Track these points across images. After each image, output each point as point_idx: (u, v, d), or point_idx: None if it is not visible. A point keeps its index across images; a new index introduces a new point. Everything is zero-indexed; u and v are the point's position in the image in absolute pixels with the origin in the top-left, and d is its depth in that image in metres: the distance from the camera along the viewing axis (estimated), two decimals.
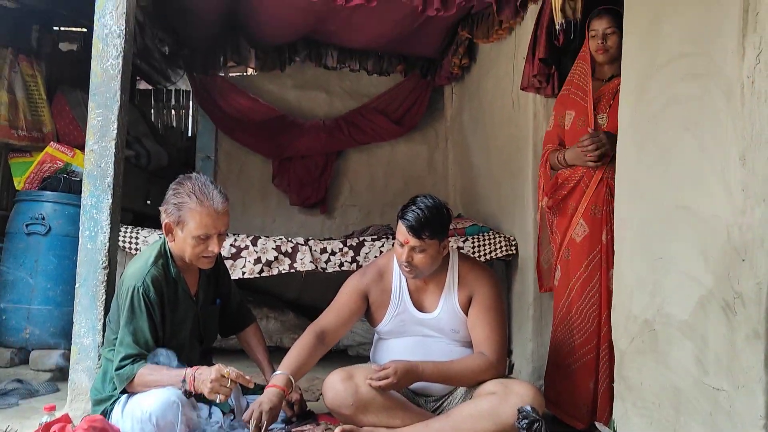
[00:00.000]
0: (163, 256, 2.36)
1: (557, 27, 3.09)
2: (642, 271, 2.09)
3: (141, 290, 2.23)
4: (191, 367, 2.19)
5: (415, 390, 2.56)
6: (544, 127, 3.46)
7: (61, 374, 3.35)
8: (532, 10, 3.42)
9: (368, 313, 2.64)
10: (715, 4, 1.77)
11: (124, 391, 2.24)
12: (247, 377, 2.16)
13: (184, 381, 2.14)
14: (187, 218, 2.27)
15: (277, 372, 2.39)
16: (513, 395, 2.33)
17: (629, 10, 2.29)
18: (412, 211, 2.42)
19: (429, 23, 4.21)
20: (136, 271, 2.29)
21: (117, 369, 2.20)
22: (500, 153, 4.03)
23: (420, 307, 2.59)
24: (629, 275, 2.20)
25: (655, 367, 1.99)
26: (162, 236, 2.40)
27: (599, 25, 2.84)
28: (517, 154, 3.67)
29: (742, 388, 1.58)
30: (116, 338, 2.30)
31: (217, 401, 2.15)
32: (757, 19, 1.60)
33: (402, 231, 2.43)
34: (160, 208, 2.35)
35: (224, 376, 2.10)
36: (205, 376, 2.12)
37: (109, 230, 2.70)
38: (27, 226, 3.54)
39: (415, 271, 2.46)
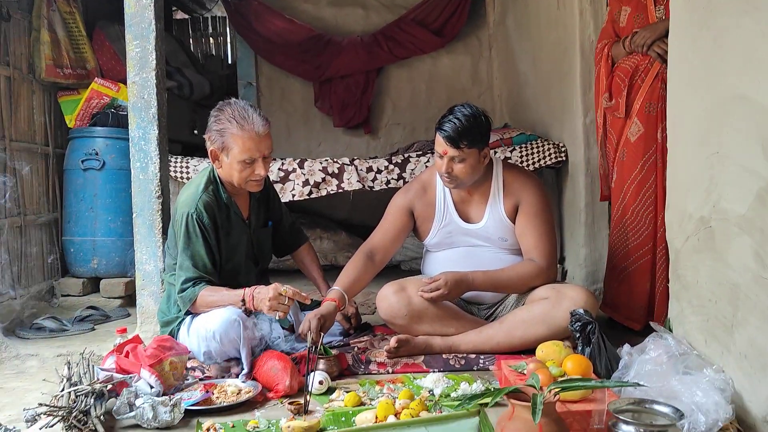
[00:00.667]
0: (213, 182, 2.41)
1: None
2: (696, 167, 2.02)
3: (194, 216, 2.30)
4: (249, 287, 2.27)
5: (467, 299, 2.60)
6: (590, 26, 3.30)
7: (130, 300, 3.54)
8: None
9: (415, 228, 2.66)
10: None
11: (188, 313, 2.34)
12: (304, 294, 2.23)
13: (243, 300, 2.23)
14: (231, 143, 2.30)
15: (331, 288, 2.47)
16: (565, 299, 2.35)
17: None
18: (449, 120, 2.40)
19: None
20: (188, 198, 2.35)
21: (180, 292, 2.30)
22: (547, 56, 3.87)
23: (466, 218, 2.59)
24: (683, 172, 2.12)
25: (711, 265, 1.95)
26: (210, 164, 2.44)
27: None
28: (564, 56, 3.52)
29: None
30: (176, 263, 2.39)
31: (276, 318, 2.24)
32: None
33: (440, 142, 2.41)
34: (205, 136, 2.38)
35: (282, 294, 2.17)
36: (263, 295, 2.19)
37: (158, 160, 2.76)
38: (83, 162, 3.67)
39: (455, 181, 2.45)
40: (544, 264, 2.46)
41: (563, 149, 3.58)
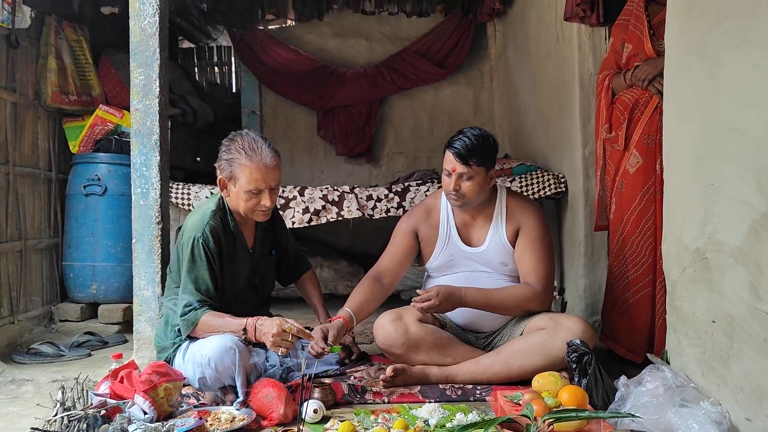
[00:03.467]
0: (221, 209, 2.43)
1: None
2: (692, 199, 2.03)
3: (201, 240, 2.31)
4: (251, 316, 2.26)
5: (464, 326, 2.59)
6: (589, 58, 3.35)
7: (127, 326, 3.53)
8: None
9: (419, 252, 2.67)
10: None
11: (188, 337, 2.34)
12: (307, 332, 2.23)
13: (244, 330, 2.22)
14: (239, 173, 2.33)
15: (341, 309, 2.49)
16: (563, 329, 2.34)
17: None
18: (459, 139, 2.45)
19: None
20: (195, 222, 2.37)
21: (182, 315, 2.30)
22: (547, 88, 3.92)
23: (468, 242, 2.60)
24: (679, 203, 2.13)
25: (707, 296, 1.95)
26: (214, 192, 2.47)
27: None
28: (564, 88, 3.56)
29: None
30: (177, 287, 2.40)
31: (279, 354, 2.23)
32: None
33: (449, 159, 2.45)
34: (215, 165, 2.42)
35: (285, 331, 2.16)
36: (266, 329, 2.18)
37: (159, 186, 2.78)
38: (85, 187, 3.69)
39: (462, 199, 2.47)
40: (539, 288, 2.46)
41: (563, 180, 3.60)
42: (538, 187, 3.60)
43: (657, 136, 2.67)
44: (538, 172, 3.67)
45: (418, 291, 2.44)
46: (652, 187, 2.71)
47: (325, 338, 2.28)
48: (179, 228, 3.50)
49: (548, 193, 3.59)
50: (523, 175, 3.67)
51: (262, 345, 2.31)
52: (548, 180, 3.60)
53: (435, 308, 2.41)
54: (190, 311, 2.28)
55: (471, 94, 5.53)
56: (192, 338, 2.34)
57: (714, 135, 1.89)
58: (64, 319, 3.70)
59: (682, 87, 2.11)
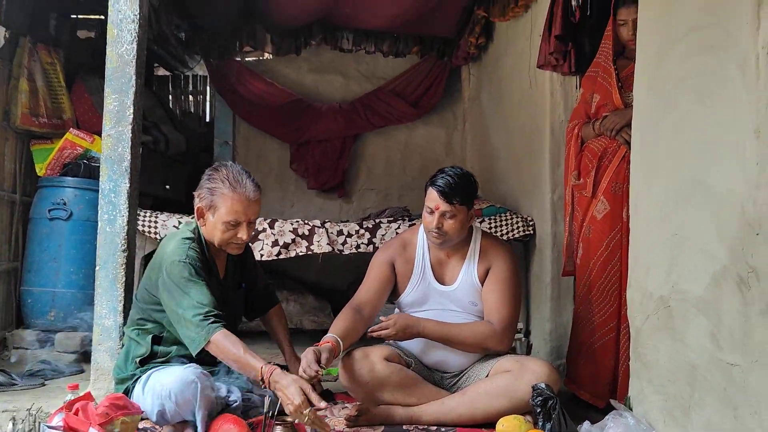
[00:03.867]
0: (196, 239, 2.40)
1: (573, 3, 3.05)
2: (657, 248, 2.07)
3: (188, 261, 2.27)
4: (267, 364, 2.14)
5: (431, 366, 2.58)
6: (561, 105, 3.43)
7: (85, 355, 3.43)
8: None
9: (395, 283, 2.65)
10: None
11: (148, 367, 2.26)
12: (327, 425, 2.11)
13: (262, 379, 2.10)
14: (219, 203, 2.30)
15: (326, 335, 2.38)
16: (528, 373, 2.34)
17: None
18: (443, 177, 2.47)
19: (444, 2, 4.19)
20: (175, 247, 2.32)
21: (196, 325, 2.17)
22: (520, 133, 4.00)
23: (441, 280, 2.61)
24: (645, 251, 2.18)
25: (670, 344, 1.98)
26: (183, 221, 2.43)
27: (628, 15, 2.77)
28: (535, 134, 3.64)
29: (756, 363, 1.56)
30: (141, 318, 2.35)
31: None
32: None
33: (433, 196, 2.46)
34: (194, 193, 2.39)
35: (303, 414, 2.02)
36: (288, 391, 2.04)
37: (127, 213, 2.74)
38: (49, 211, 3.62)
39: (444, 237, 2.48)
40: (499, 328, 2.46)
41: (531, 223, 3.65)
42: (507, 228, 3.65)
43: (624, 184, 2.73)
44: (508, 214, 3.72)
45: (381, 318, 2.44)
46: (619, 233, 2.76)
47: (318, 360, 2.21)
48: (144, 256, 3.44)
49: (517, 236, 3.64)
50: (493, 217, 3.71)
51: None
52: (517, 222, 3.65)
53: (391, 336, 2.40)
54: (201, 322, 2.16)
55: (444, 135, 5.62)
56: (154, 367, 2.28)
57: (680, 187, 1.95)
58: (18, 346, 3.57)
59: (649, 139, 2.18)
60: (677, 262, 1.95)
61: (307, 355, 2.20)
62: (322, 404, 2.02)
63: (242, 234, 2.34)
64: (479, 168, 5.13)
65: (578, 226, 2.94)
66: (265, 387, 2.11)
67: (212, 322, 2.16)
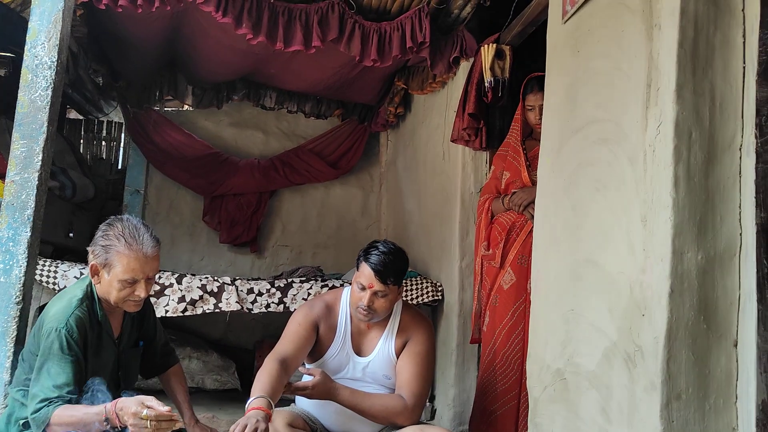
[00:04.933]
0: (89, 298, 2.29)
1: (486, 85, 3.26)
2: (554, 322, 2.19)
3: (64, 331, 2.15)
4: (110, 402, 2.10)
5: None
6: (471, 178, 3.60)
7: None
8: (464, 67, 3.58)
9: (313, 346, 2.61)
10: (624, 78, 1.93)
11: None
12: (174, 414, 2.07)
13: (106, 419, 2.04)
14: (114, 261, 2.22)
15: (254, 397, 2.24)
16: None
17: (549, 76, 2.45)
18: (377, 254, 2.44)
19: (367, 72, 4.33)
20: (58, 311, 2.21)
21: (33, 412, 2.10)
22: (431, 201, 4.14)
23: (358, 351, 2.59)
24: (543, 325, 2.29)
25: (565, 416, 2.07)
26: (85, 272, 2.34)
27: (535, 101, 2.97)
28: (446, 202, 3.79)
29: None
30: (28, 378, 2.21)
31: None
32: (658, 94, 1.75)
33: (367, 274, 2.43)
34: (88, 249, 2.30)
35: (142, 419, 2.02)
36: (126, 410, 2.03)
37: (25, 264, 2.60)
38: None
39: (372, 315, 2.47)
40: (410, 404, 2.47)
41: (440, 288, 3.75)
42: (417, 293, 3.72)
43: (530, 257, 2.87)
44: (418, 278, 3.81)
45: (301, 369, 2.42)
46: (523, 304, 2.89)
47: None
48: (39, 308, 3.26)
49: (426, 300, 3.72)
50: (405, 281, 3.77)
51: None
52: (427, 287, 3.74)
53: (306, 395, 2.38)
54: (42, 407, 2.09)
55: (360, 196, 5.71)
56: None
57: (576, 265, 2.09)
58: None
59: (550, 218, 2.33)
60: (572, 337, 2.07)
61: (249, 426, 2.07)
62: (164, 408, 1.95)
63: (140, 292, 2.26)
64: (393, 230, 5.24)
65: (486, 294, 3.05)
66: (122, 427, 2.01)
67: (48, 406, 2.07)
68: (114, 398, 2.29)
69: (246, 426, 2.05)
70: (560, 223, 2.25)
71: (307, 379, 2.43)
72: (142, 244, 2.23)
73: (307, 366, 2.65)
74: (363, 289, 2.44)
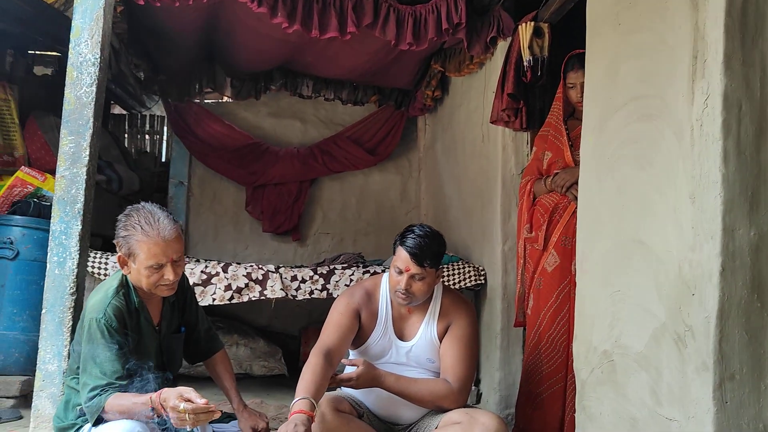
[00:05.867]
0: (125, 286, 2.35)
1: (525, 64, 3.21)
2: (601, 303, 2.16)
3: (103, 321, 2.22)
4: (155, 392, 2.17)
5: (382, 417, 2.58)
6: (512, 159, 3.56)
7: (24, 401, 3.30)
8: (502, 47, 3.53)
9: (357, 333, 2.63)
10: (668, 50, 1.87)
11: (98, 421, 2.20)
12: (212, 406, 2.13)
13: (153, 409, 2.11)
14: (136, 249, 2.26)
15: (298, 398, 2.28)
16: (477, 425, 2.36)
17: (590, 52, 2.39)
18: (413, 238, 2.44)
19: (402, 56, 4.30)
20: (96, 303, 2.28)
21: (87, 401, 2.17)
22: (471, 184, 4.11)
23: (400, 335, 2.61)
24: (589, 306, 2.26)
25: (614, 398, 2.04)
26: None
27: (576, 79, 2.91)
28: (487, 185, 3.75)
29: (693, 418, 1.63)
30: (78, 367, 2.28)
31: (188, 429, 2.12)
32: (705, 66, 1.70)
33: (403, 257, 2.44)
34: (114, 242, 2.35)
35: (180, 411, 2.05)
36: (166, 404, 2.09)
37: (77, 256, 2.69)
38: None
39: (411, 298, 2.48)
40: (456, 387, 2.48)
41: (483, 273, 3.73)
42: (459, 278, 3.71)
43: (573, 238, 2.84)
44: (460, 263, 3.79)
45: (344, 361, 2.43)
46: (568, 286, 2.86)
47: None
48: (84, 305, 3.36)
49: (468, 285, 3.70)
50: (446, 266, 3.77)
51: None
52: (469, 272, 3.72)
53: (351, 385, 2.40)
54: (95, 396, 2.16)
55: (399, 182, 5.71)
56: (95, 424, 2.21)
57: (622, 245, 2.05)
58: None
59: (594, 199, 2.28)
60: (619, 318, 2.03)
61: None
62: (202, 401, 2.00)
63: (169, 275, 2.29)
64: (433, 215, 5.22)
65: (530, 277, 3.02)
66: (161, 414, 2.06)
67: (100, 395, 2.14)
68: (161, 383, 2.36)
69: None
70: (604, 202, 2.21)
71: (349, 369, 2.45)
72: (159, 229, 2.26)
73: (351, 353, 2.67)
74: (400, 272, 2.45)
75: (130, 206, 2.37)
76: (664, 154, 1.85)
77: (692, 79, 1.74)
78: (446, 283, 3.66)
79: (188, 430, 2.07)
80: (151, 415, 2.10)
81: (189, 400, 2.01)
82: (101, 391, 2.16)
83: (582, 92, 2.88)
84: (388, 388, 2.43)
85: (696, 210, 1.68)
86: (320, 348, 2.46)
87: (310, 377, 2.31)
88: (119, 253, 2.30)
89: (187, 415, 2.00)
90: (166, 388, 2.12)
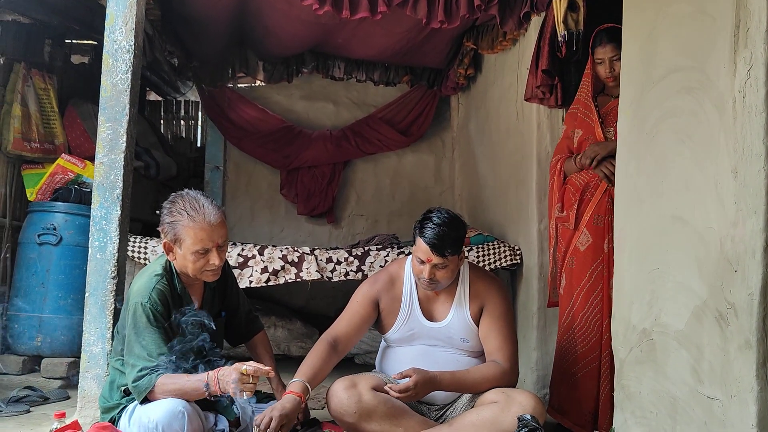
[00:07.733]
0: (168, 272, 2.39)
1: (560, 39, 3.13)
2: (640, 281, 2.12)
3: (148, 305, 2.27)
4: (211, 370, 2.21)
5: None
6: (547, 137, 3.50)
7: (71, 382, 3.41)
8: (536, 22, 3.45)
9: (378, 320, 2.67)
10: (708, 20, 1.80)
11: (143, 401, 2.27)
12: (265, 368, 2.19)
13: (207, 384, 2.16)
14: (183, 235, 2.30)
15: (294, 380, 2.40)
16: (514, 404, 2.36)
17: (627, 25, 2.32)
18: (431, 228, 2.42)
19: (434, 35, 4.26)
20: (141, 287, 2.33)
21: (134, 381, 2.23)
22: (506, 163, 4.06)
23: (429, 317, 2.61)
24: (628, 285, 2.22)
25: (653, 377, 2.01)
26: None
27: (604, 54, 2.86)
28: (522, 164, 3.70)
29: (735, 397, 1.60)
30: (123, 349, 2.34)
31: (244, 397, 2.17)
32: (747, 35, 1.63)
33: (423, 249, 2.43)
34: (159, 229, 2.40)
35: (244, 374, 2.12)
36: (227, 377, 2.13)
37: (118, 241, 2.75)
38: (39, 236, 3.62)
39: (435, 285, 2.50)
40: (508, 366, 2.50)
41: (518, 252, 3.69)
42: (494, 257, 3.69)
43: (605, 217, 2.80)
44: (495, 243, 3.76)
45: (394, 376, 2.44)
46: (601, 264, 2.82)
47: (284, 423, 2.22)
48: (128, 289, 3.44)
49: (504, 265, 3.68)
50: (481, 246, 3.75)
51: (208, 406, 2.27)
52: (504, 252, 3.69)
53: (412, 398, 2.39)
54: (143, 376, 2.22)
55: (432, 162, 5.68)
56: (139, 402, 2.27)
57: (661, 222, 2.00)
58: (3, 372, 3.55)
59: (632, 175, 2.23)
60: (659, 296, 1.99)
61: (271, 420, 2.19)
62: (266, 368, 2.15)
63: (214, 260, 2.33)
64: (467, 195, 5.19)
65: (561, 257, 2.99)
66: (222, 394, 2.15)
67: (150, 374, 2.20)
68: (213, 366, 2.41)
69: (270, 419, 2.18)
70: (643, 178, 2.16)
71: (402, 382, 2.41)
72: (205, 214, 2.30)
73: (384, 338, 2.69)
74: (422, 263, 2.45)
75: (174, 193, 2.41)
76: (704, 128, 1.80)
77: (734, 49, 1.68)
78: (481, 263, 3.64)
79: (244, 398, 2.14)
80: (204, 391, 2.15)
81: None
82: (150, 371, 2.21)
83: (611, 68, 2.84)
84: (446, 387, 2.45)
85: (738, 185, 1.63)
86: (329, 335, 2.54)
87: (310, 361, 2.43)
88: (165, 240, 2.34)
89: (250, 377, 2.10)
90: (225, 367, 2.17)
